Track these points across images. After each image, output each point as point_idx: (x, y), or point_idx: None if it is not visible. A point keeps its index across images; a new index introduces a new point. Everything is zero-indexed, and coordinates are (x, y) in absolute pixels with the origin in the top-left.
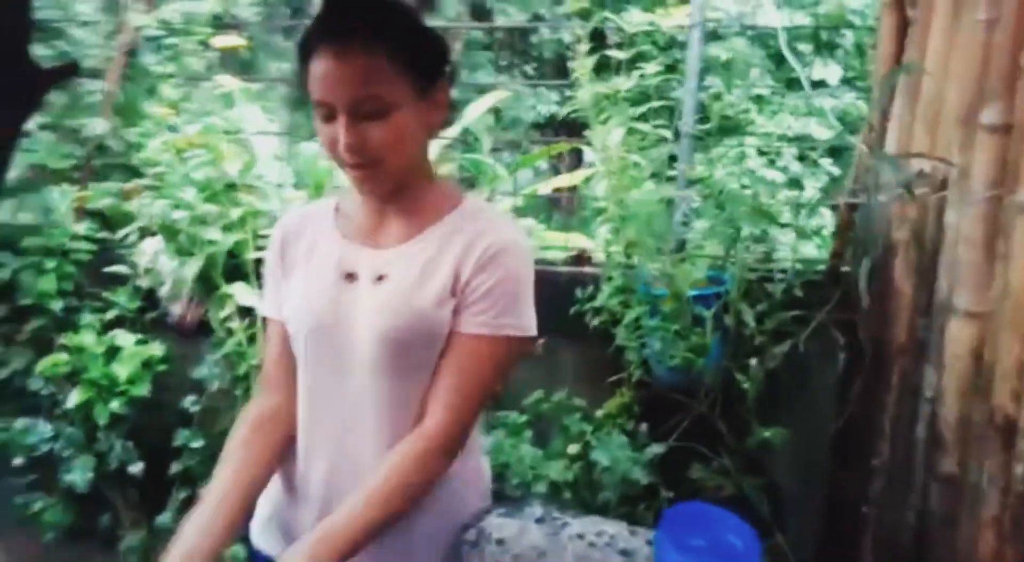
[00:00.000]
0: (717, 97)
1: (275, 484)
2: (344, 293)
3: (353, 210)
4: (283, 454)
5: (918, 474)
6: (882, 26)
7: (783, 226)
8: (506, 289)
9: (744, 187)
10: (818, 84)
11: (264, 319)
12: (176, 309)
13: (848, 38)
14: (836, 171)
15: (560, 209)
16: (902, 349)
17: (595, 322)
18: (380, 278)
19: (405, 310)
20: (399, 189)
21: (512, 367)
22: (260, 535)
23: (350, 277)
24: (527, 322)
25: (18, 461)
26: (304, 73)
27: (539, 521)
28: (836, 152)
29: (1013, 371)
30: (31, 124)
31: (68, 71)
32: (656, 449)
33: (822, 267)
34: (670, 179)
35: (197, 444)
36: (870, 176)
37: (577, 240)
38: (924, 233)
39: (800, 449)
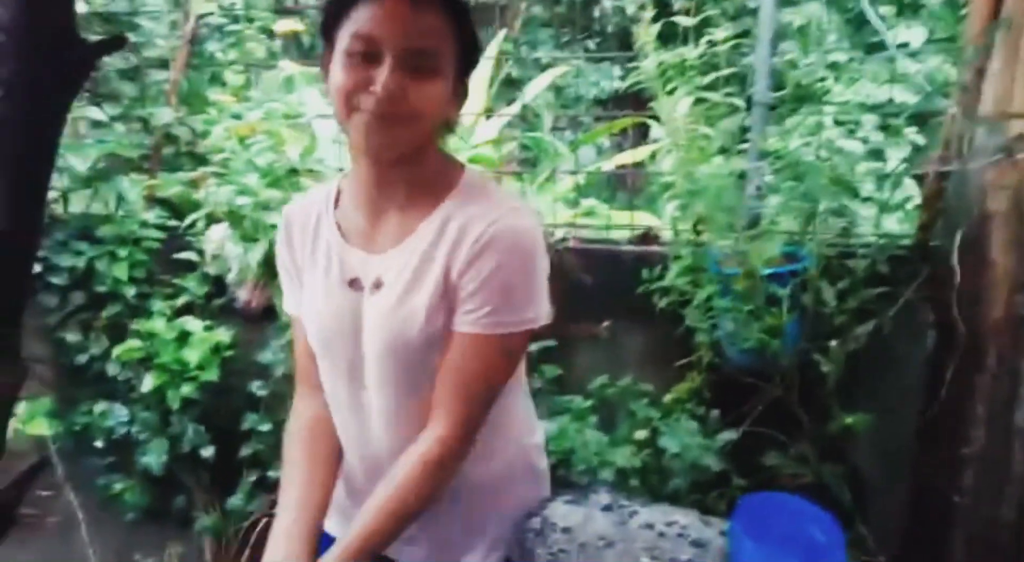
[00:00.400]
0: (793, 65)
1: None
2: (349, 301)
3: (352, 204)
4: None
5: (1017, 464)
6: None
7: (865, 200)
8: (500, 281)
9: (821, 159)
10: (900, 47)
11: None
12: (242, 295)
13: None
14: (921, 141)
15: (624, 187)
16: (999, 328)
17: (663, 303)
18: (378, 286)
19: (398, 320)
20: (401, 165)
21: (519, 357)
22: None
23: (354, 284)
24: (528, 314)
25: (98, 444)
26: (341, 15)
27: (606, 509)
28: (921, 121)
29: None
30: (104, 115)
31: (115, 45)
32: (729, 435)
33: (908, 241)
34: (740, 151)
35: (265, 428)
36: (963, 141)
37: (643, 218)
38: None
39: (884, 435)
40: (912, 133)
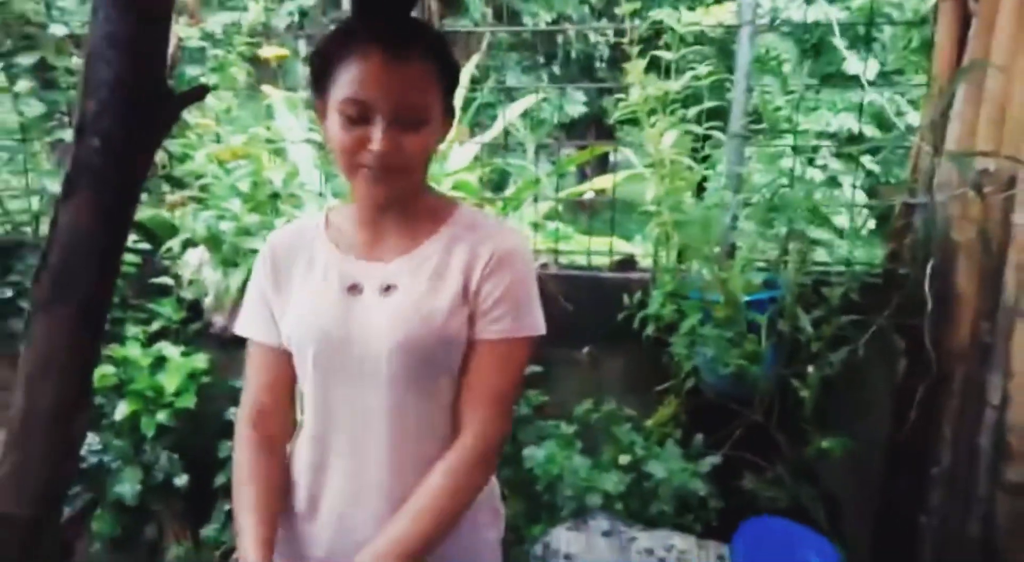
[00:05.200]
0: (765, 95)
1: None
2: (351, 306)
3: (347, 224)
4: (286, 480)
5: (982, 483)
6: (941, 21)
7: (840, 233)
8: (517, 292)
9: (783, 186)
10: (853, 78)
11: (248, 343)
12: (220, 320)
13: (886, 31)
14: (876, 168)
15: (582, 211)
16: (965, 354)
17: (649, 330)
18: (388, 289)
19: (419, 318)
20: (401, 200)
21: (526, 368)
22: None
23: (354, 289)
24: (539, 320)
25: None
26: (329, 71)
27: (606, 534)
28: (875, 149)
29: None
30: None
31: (199, 94)
32: (712, 459)
33: (878, 270)
34: (705, 180)
35: None
36: (930, 175)
37: (619, 245)
38: (989, 234)
39: (856, 457)
40: (868, 161)
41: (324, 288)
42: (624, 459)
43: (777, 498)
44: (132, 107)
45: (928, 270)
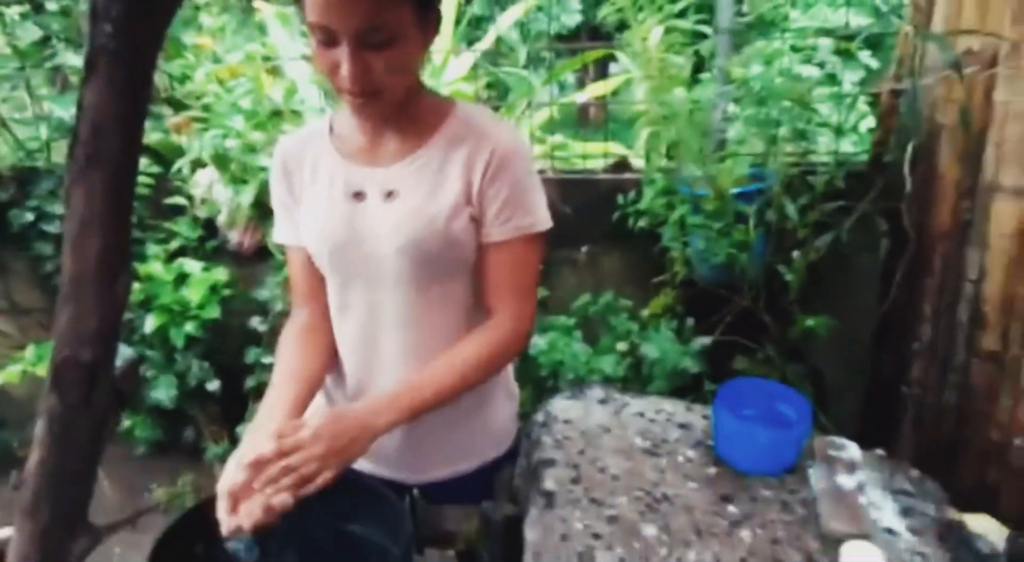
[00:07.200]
0: None
1: (320, 397)
2: (356, 212)
3: (349, 130)
4: (330, 360)
5: (959, 353)
6: None
7: (824, 125)
8: (522, 191)
9: (780, 84)
10: None
11: (285, 247)
12: (234, 236)
13: None
14: (875, 64)
15: (586, 122)
16: (945, 233)
17: (640, 224)
18: (390, 194)
19: (422, 222)
20: (394, 110)
21: (543, 258)
22: None
23: (358, 196)
24: (546, 214)
25: None
26: None
27: (602, 402)
28: (874, 44)
29: None
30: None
31: None
32: (703, 341)
33: (864, 158)
34: (708, 78)
35: (267, 360)
36: (915, 59)
37: (613, 149)
38: (971, 113)
39: (842, 337)
40: (866, 57)
41: (330, 195)
42: (622, 346)
43: (767, 376)
44: None
45: (908, 152)
